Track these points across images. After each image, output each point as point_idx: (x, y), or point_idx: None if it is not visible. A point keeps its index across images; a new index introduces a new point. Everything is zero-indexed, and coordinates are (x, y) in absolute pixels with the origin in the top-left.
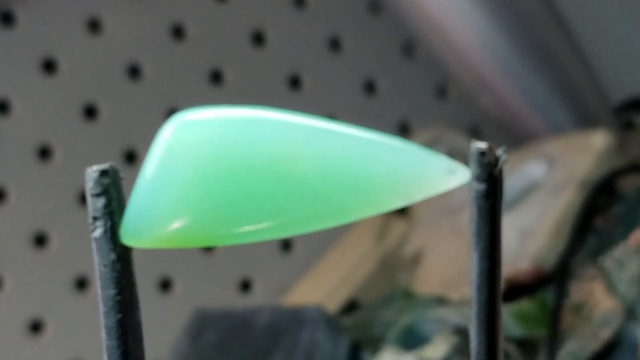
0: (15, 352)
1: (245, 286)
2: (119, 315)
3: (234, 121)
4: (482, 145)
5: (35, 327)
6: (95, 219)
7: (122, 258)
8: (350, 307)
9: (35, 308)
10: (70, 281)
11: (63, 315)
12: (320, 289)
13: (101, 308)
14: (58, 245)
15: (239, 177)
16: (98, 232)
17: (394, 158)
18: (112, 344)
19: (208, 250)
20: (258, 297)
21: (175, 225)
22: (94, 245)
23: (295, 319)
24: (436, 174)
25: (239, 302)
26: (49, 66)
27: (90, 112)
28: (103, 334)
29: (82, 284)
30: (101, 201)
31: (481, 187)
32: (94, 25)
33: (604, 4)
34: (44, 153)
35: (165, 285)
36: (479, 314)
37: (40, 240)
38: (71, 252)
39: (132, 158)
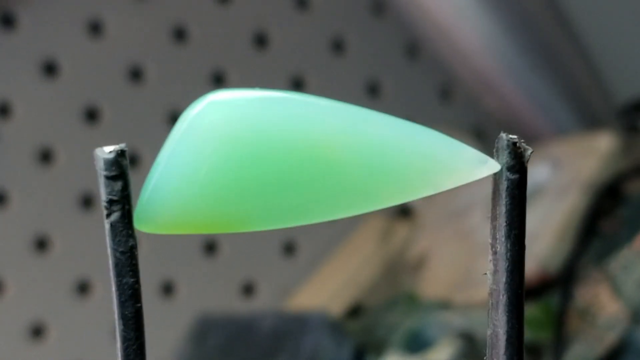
0: (17, 356)
1: (249, 290)
2: (138, 305)
3: (267, 101)
4: (513, 136)
5: (37, 331)
6: (111, 202)
7: (137, 244)
8: (354, 310)
9: (36, 312)
10: (71, 285)
11: (65, 320)
12: (324, 292)
13: (117, 298)
14: (60, 249)
15: (264, 160)
16: (115, 217)
17: (427, 145)
18: (130, 335)
19: (211, 253)
20: (261, 301)
21: (191, 210)
22: (108, 231)
23: (299, 323)
24: (467, 164)
25: (242, 305)
26: (51, 69)
27: (91, 115)
28: (120, 324)
29: (83, 288)
30: (119, 184)
31: (515, 177)
32: (96, 28)
33: (609, 5)
34: (46, 156)
35: (168, 289)
36: (511, 300)
37: (41, 244)
38: (73, 256)
39: (135, 161)
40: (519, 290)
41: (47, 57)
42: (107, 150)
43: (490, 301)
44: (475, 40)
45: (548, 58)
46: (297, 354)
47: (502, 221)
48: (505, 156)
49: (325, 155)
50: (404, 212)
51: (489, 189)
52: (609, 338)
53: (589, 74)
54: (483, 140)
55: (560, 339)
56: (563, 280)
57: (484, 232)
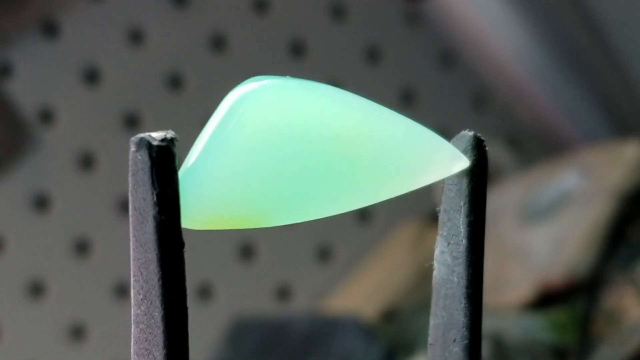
0: (58, 357)
1: (284, 294)
2: (185, 307)
3: (304, 91)
4: (478, 134)
5: (77, 332)
6: (164, 196)
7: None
8: (388, 314)
9: (77, 314)
10: (111, 288)
11: (104, 321)
12: (358, 297)
13: (168, 297)
14: (100, 252)
15: (295, 151)
16: (168, 212)
17: (418, 142)
18: (180, 332)
19: (247, 257)
20: (296, 305)
21: (225, 205)
22: (155, 228)
23: (330, 326)
24: (447, 160)
25: (277, 309)
26: (93, 76)
27: (132, 122)
28: (165, 321)
29: (123, 290)
30: (173, 175)
31: (481, 172)
32: (137, 36)
33: None
34: (87, 161)
35: (206, 292)
36: (476, 290)
37: (82, 248)
38: (112, 259)
39: None
40: (481, 281)
41: (89, 65)
42: (159, 137)
43: (442, 291)
44: (508, 50)
45: (579, 67)
46: (328, 356)
47: (466, 215)
48: (474, 153)
49: (345, 151)
50: (435, 218)
51: (517, 195)
52: (634, 341)
53: (620, 83)
54: (516, 148)
55: (586, 342)
56: (590, 285)
57: (513, 237)
